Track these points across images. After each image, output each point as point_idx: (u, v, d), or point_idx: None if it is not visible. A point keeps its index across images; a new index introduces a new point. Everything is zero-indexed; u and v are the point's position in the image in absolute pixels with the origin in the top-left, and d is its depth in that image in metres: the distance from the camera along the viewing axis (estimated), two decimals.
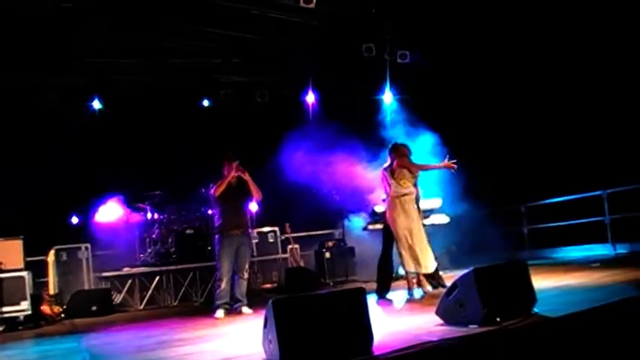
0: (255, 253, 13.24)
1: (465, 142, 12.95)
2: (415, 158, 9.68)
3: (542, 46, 12.96)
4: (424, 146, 11.55)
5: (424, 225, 9.80)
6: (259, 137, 14.32)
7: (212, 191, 9.56)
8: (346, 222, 14.08)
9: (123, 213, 13.54)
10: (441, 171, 10.26)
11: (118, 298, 12.87)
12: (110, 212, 13.52)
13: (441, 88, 14.05)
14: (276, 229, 14.32)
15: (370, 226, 13.01)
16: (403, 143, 9.87)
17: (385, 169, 9.63)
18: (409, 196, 9.43)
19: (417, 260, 9.19)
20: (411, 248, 9.22)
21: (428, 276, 9.56)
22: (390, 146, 9.74)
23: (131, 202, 13.62)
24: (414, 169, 9.50)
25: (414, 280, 9.43)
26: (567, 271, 10.23)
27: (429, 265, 9.27)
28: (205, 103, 15.98)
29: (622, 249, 12.61)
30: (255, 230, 13.48)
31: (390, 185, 9.51)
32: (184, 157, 14.01)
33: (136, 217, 13.61)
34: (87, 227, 13.37)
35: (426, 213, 11.16)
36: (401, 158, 9.46)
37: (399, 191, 9.41)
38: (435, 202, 11.96)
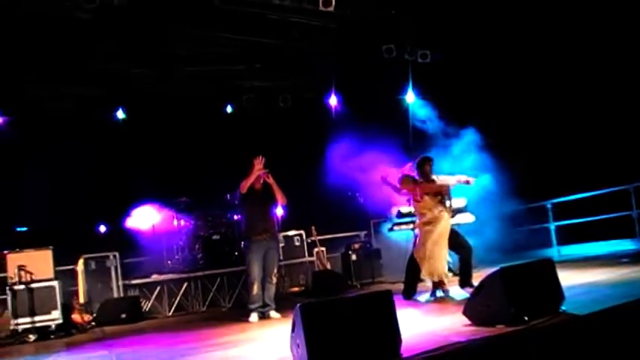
0: (281, 257, 13.16)
1: (490, 139, 12.97)
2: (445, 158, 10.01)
3: (566, 40, 12.89)
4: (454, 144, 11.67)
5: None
6: (283, 141, 14.43)
7: (239, 188, 9.58)
8: (372, 224, 14.09)
9: (160, 219, 13.65)
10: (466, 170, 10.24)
11: (146, 305, 12.95)
12: (146, 217, 13.64)
13: (462, 86, 14.00)
14: (302, 232, 14.30)
15: (396, 227, 12.93)
16: (427, 157, 9.95)
17: (415, 178, 9.72)
18: (439, 215, 9.51)
19: (432, 271, 9.35)
20: (426, 258, 9.35)
21: (463, 274, 9.64)
22: (417, 160, 9.86)
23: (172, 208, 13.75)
24: (431, 190, 9.57)
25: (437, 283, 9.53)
26: (595, 267, 10.16)
27: (440, 274, 9.36)
28: (228, 109, 16.10)
29: None
30: (282, 234, 13.50)
31: (419, 199, 9.58)
32: (209, 164, 14.16)
33: (176, 223, 13.73)
34: (115, 235, 13.56)
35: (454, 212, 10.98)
36: (420, 185, 9.60)
37: (427, 211, 9.50)
38: (461, 202, 11.86)
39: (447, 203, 9.63)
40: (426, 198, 9.47)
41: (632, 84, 12.33)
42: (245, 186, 9.47)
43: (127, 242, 13.45)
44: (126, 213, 13.53)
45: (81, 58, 13.19)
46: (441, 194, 9.60)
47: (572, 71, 13.01)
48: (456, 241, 9.74)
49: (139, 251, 13.63)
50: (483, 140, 12.53)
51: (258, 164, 9.39)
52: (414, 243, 9.79)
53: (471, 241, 11.37)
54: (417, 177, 9.66)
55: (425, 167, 9.74)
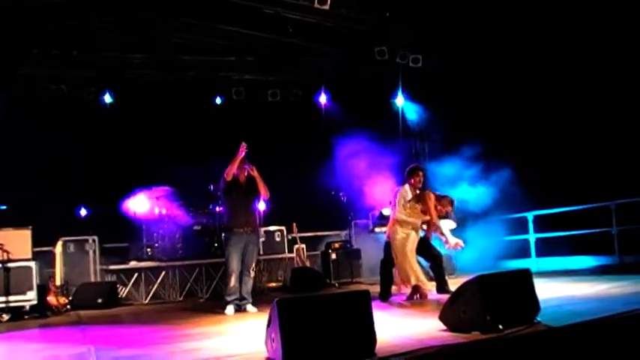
0: (261, 252, 13.22)
1: (476, 149, 13.12)
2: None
3: (558, 54, 12.91)
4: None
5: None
6: (270, 136, 14.38)
7: (223, 175, 9.54)
8: (353, 224, 14.11)
9: (151, 206, 13.65)
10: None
11: (123, 292, 12.92)
12: (139, 205, 13.63)
13: (452, 92, 14.08)
14: (284, 228, 14.27)
15: (377, 229, 13.17)
16: (419, 167, 10.14)
17: (399, 189, 9.84)
18: (410, 225, 9.60)
19: (406, 276, 9.47)
20: (399, 264, 9.51)
21: (438, 281, 9.75)
22: (408, 169, 9.94)
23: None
24: (425, 206, 9.64)
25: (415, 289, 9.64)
26: (572, 281, 10.19)
27: (415, 278, 9.46)
28: (217, 100, 16.05)
29: (628, 260, 12.51)
30: (263, 229, 13.46)
31: (396, 205, 9.69)
32: (194, 154, 13.96)
33: (158, 212, 13.68)
34: (95, 219, 13.46)
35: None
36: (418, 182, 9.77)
37: (400, 217, 9.59)
38: (450, 224, 11.63)
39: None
40: (417, 206, 9.64)
41: (619, 102, 12.37)
42: (229, 172, 9.45)
43: (107, 227, 13.38)
44: (108, 197, 13.42)
45: (74, 41, 13.21)
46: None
47: (561, 86, 13.03)
48: (429, 250, 9.94)
49: (118, 237, 13.61)
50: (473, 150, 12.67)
51: (242, 150, 9.37)
52: (386, 248, 9.90)
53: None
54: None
55: (415, 177, 9.85)
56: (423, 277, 9.47)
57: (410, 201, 9.60)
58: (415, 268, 9.48)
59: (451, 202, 9.88)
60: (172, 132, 14.52)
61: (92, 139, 13.95)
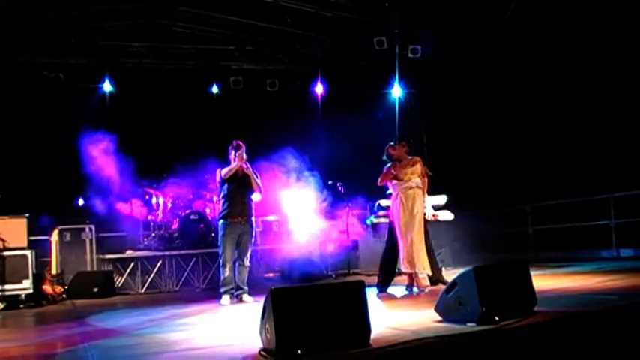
0: (258, 242, 13.23)
1: (474, 139, 13.20)
2: None
3: (555, 47, 12.92)
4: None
5: (427, 221, 9.78)
6: (268, 125, 14.30)
7: (220, 173, 9.56)
8: (350, 214, 13.97)
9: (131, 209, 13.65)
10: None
11: (119, 281, 12.91)
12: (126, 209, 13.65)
13: (450, 84, 14.00)
14: (278, 217, 14.24)
15: (375, 220, 13.14)
16: (406, 140, 9.94)
17: (389, 165, 9.65)
18: (413, 190, 9.41)
19: (411, 259, 9.21)
20: (407, 246, 9.24)
21: (432, 271, 9.53)
22: (387, 146, 9.73)
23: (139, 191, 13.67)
24: (419, 168, 9.53)
25: (413, 278, 9.46)
26: (569, 274, 10.18)
27: (422, 266, 9.27)
28: (214, 89, 15.92)
29: (626, 254, 12.55)
30: (260, 219, 13.38)
31: (394, 179, 9.52)
32: (191, 143, 13.93)
33: (142, 209, 13.65)
34: (91, 208, 13.30)
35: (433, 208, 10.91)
36: (400, 153, 9.57)
37: (402, 185, 9.43)
38: (441, 199, 11.65)
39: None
40: (412, 167, 9.53)
41: (618, 95, 12.37)
42: (227, 175, 9.53)
43: (104, 216, 13.33)
44: (105, 190, 13.29)
45: (73, 29, 13.20)
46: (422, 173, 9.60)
47: (562, 78, 12.99)
48: (427, 238, 9.71)
49: (115, 226, 13.51)
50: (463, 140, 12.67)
51: (240, 158, 9.38)
52: (391, 230, 9.70)
53: (447, 238, 12.30)
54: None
55: (399, 149, 9.67)
56: (428, 266, 9.30)
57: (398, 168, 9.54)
58: (422, 253, 9.29)
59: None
60: (170, 121, 14.47)
61: (89, 126, 13.59)
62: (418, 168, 9.49)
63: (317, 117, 14.43)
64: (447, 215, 11.45)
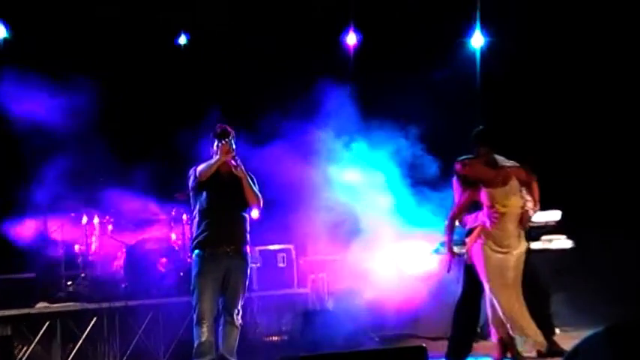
0: (254, 286, 10.21)
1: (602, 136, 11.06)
2: None
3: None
4: None
5: (530, 252, 7.99)
6: (263, 92, 11.06)
7: (195, 172, 7.70)
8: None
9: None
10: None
11: (25, 352, 9.70)
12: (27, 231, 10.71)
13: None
14: (291, 247, 10.91)
15: (442, 249, 9.57)
16: (481, 149, 7.79)
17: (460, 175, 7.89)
18: (512, 222, 7.59)
19: (504, 319, 7.55)
20: (498, 300, 7.59)
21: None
22: (457, 162, 7.87)
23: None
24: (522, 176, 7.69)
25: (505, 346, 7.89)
26: None
27: (521, 327, 7.54)
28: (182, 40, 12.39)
29: None
30: (258, 248, 10.38)
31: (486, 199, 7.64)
32: (144, 124, 11.16)
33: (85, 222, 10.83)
34: None
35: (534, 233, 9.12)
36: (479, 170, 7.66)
37: (491, 220, 7.56)
38: (552, 215, 9.43)
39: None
40: (512, 185, 7.59)
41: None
42: (205, 175, 7.65)
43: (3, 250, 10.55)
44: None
45: None
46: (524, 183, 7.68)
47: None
48: (529, 279, 7.92)
49: (20, 264, 10.60)
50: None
51: (226, 150, 7.58)
52: (470, 272, 7.89)
53: (563, 280, 9.89)
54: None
55: (484, 145, 7.78)
56: (533, 328, 7.47)
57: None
58: (521, 308, 7.44)
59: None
60: (111, 87, 10.87)
61: None
62: (514, 184, 7.52)
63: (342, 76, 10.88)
64: (561, 242, 9.80)
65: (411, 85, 10.28)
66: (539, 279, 8.33)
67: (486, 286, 7.56)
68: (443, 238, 8.90)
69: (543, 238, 9.37)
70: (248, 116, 9.27)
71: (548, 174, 8.35)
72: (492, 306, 7.56)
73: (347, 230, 9.69)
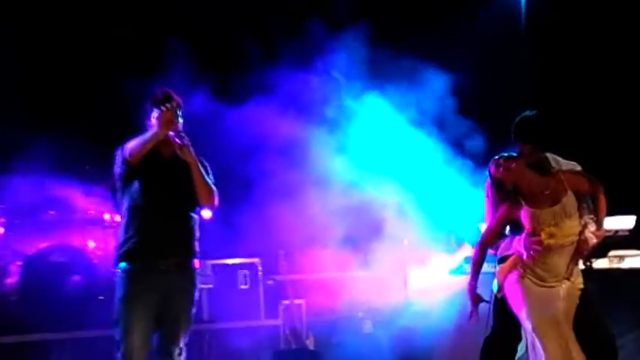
0: (205, 315, 8.27)
1: None
2: None
3: None
4: None
5: (591, 270, 6.36)
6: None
7: (125, 151, 5.29)
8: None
9: None
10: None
11: None
12: None
13: None
14: (257, 261, 8.65)
15: (466, 268, 7.70)
16: (539, 119, 5.77)
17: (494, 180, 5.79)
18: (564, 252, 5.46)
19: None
20: (544, 343, 5.54)
21: None
22: (492, 162, 5.70)
23: None
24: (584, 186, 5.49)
25: None
26: None
27: None
28: None
29: None
30: (210, 262, 8.38)
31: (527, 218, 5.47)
32: (58, 89, 9.04)
33: None
34: None
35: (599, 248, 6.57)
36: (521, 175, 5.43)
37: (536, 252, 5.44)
38: (624, 222, 7.58)
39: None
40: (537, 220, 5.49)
41: None
42: (136, 154, 5.26)
43: None
44: None
45: None
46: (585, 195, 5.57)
47: None
48: (586, 319, 5.69)
49: None
50: None
51: (167, 118, 5.16)
52: (501, 307, 5.81)
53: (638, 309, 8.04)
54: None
55: (529, 141, 5.66)
56: None
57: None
58: (575, 348, 5.39)
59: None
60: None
61: None
62: (570, 202, 5.38)
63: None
64: (637, 260, 8.34)
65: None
66: (603, 313, 6.21)
67: (527, 325, 5.70)
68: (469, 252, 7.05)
69: (611, 253, 7.62)
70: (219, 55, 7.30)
71: (616, 167, 6.79)
72: (534, 350, 5.68)
73: (342, 238, 7.31)
